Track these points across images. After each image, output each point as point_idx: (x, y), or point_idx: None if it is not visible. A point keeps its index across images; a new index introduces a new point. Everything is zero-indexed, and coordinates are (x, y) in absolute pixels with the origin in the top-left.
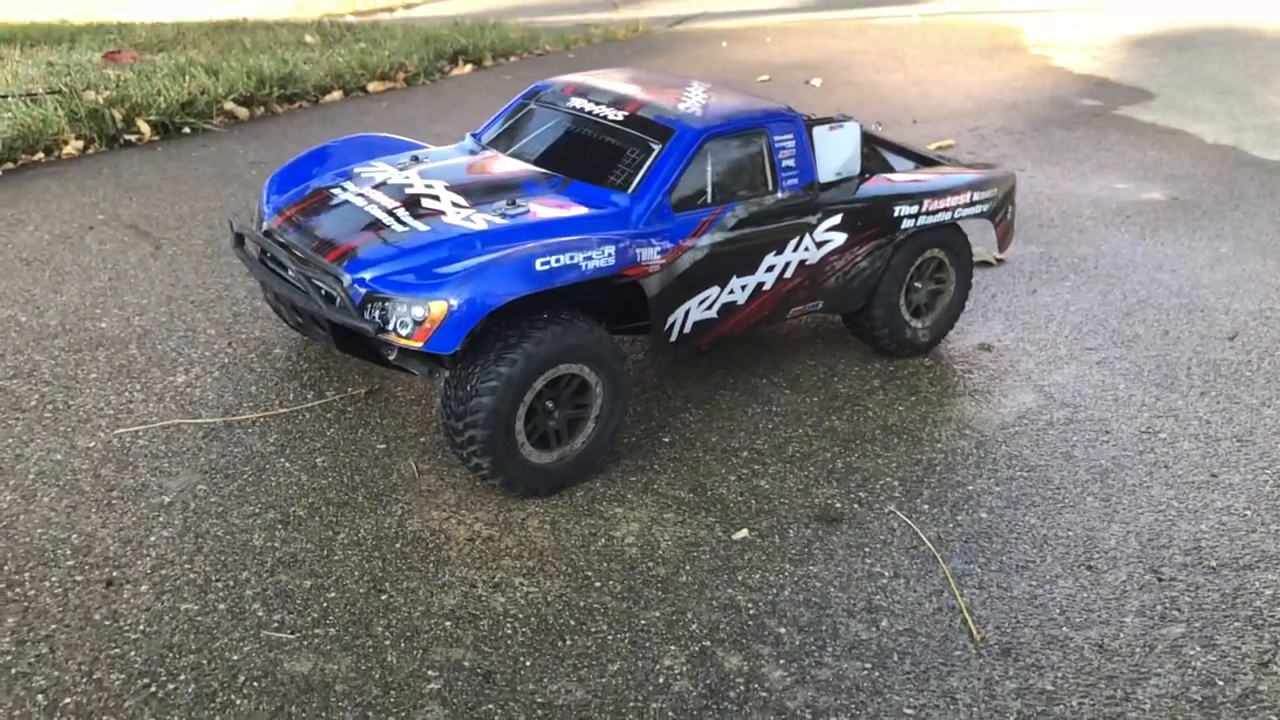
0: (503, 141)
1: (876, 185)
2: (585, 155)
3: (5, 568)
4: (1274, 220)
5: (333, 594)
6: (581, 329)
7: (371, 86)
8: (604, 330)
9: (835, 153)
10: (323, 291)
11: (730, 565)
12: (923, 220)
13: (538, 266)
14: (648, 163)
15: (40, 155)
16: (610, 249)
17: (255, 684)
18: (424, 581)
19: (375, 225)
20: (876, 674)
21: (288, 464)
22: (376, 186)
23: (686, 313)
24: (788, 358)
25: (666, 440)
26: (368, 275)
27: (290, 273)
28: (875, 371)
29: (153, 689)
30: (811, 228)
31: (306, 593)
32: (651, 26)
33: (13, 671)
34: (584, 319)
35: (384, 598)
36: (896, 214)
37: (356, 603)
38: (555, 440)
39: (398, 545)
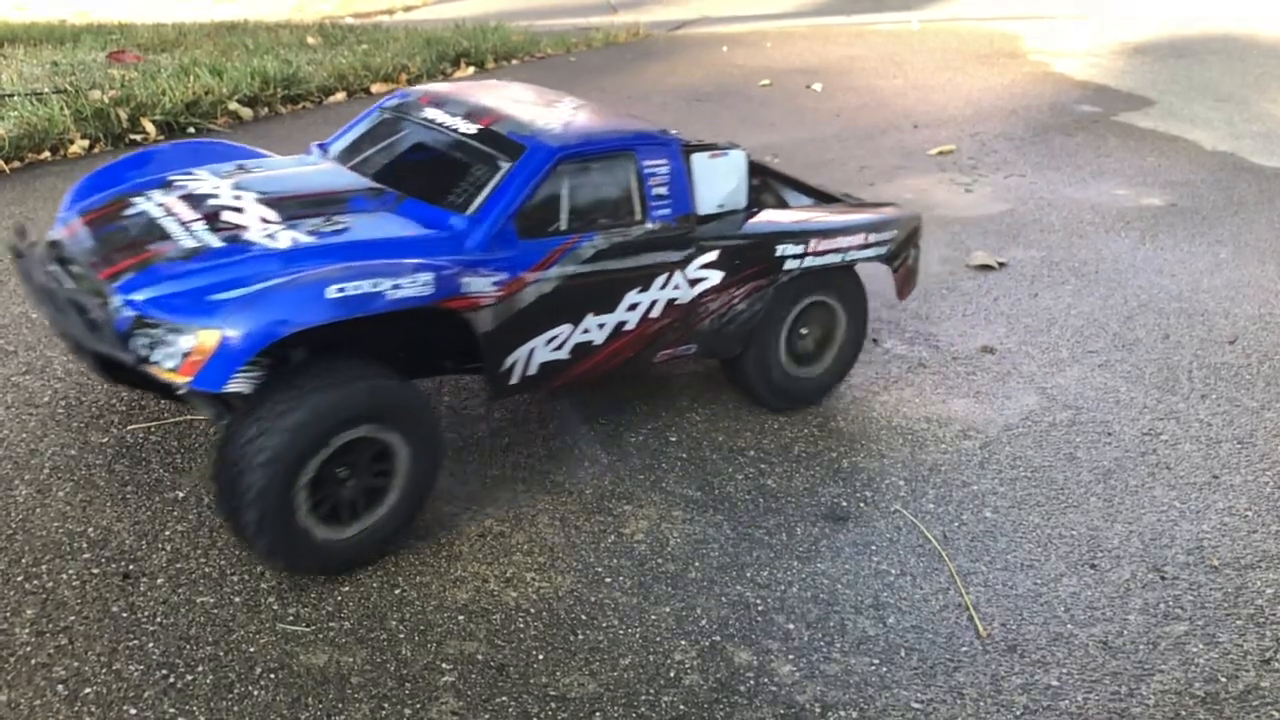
0: (348, 153)
1: (762, 221)
2: (428, 171)
3: (23, 560)
4: (1272, 226)
5: (347, 588)
6: (383, 386)
7: (374, 88)
8: (411, 387)
9: (717, 183)
10: (89, 313)
11: (739, 562)
12: (809, 262)
13: (330, 294)
14: (493, 182)
15: (46, 154)
16: (427, 277)
17: (272, 675)
18: (436, 576)
19: (164, 239)
20: (884, 669)
21: None
22: (184, 196)
23: (531, 353)
24: None
25: (673, 439)
26: (140, 296)
27: (59, 289)
28: (879, 374)
29: (171, 680)
30: (684, 264)
31: (321, 586)
32: (652, 31)
33: (33, 662)
34: (388, 372)
35: (397, 592)
36: (779, 253)
37: (370, 596)
38: (350, 513)
39: (410, 540)
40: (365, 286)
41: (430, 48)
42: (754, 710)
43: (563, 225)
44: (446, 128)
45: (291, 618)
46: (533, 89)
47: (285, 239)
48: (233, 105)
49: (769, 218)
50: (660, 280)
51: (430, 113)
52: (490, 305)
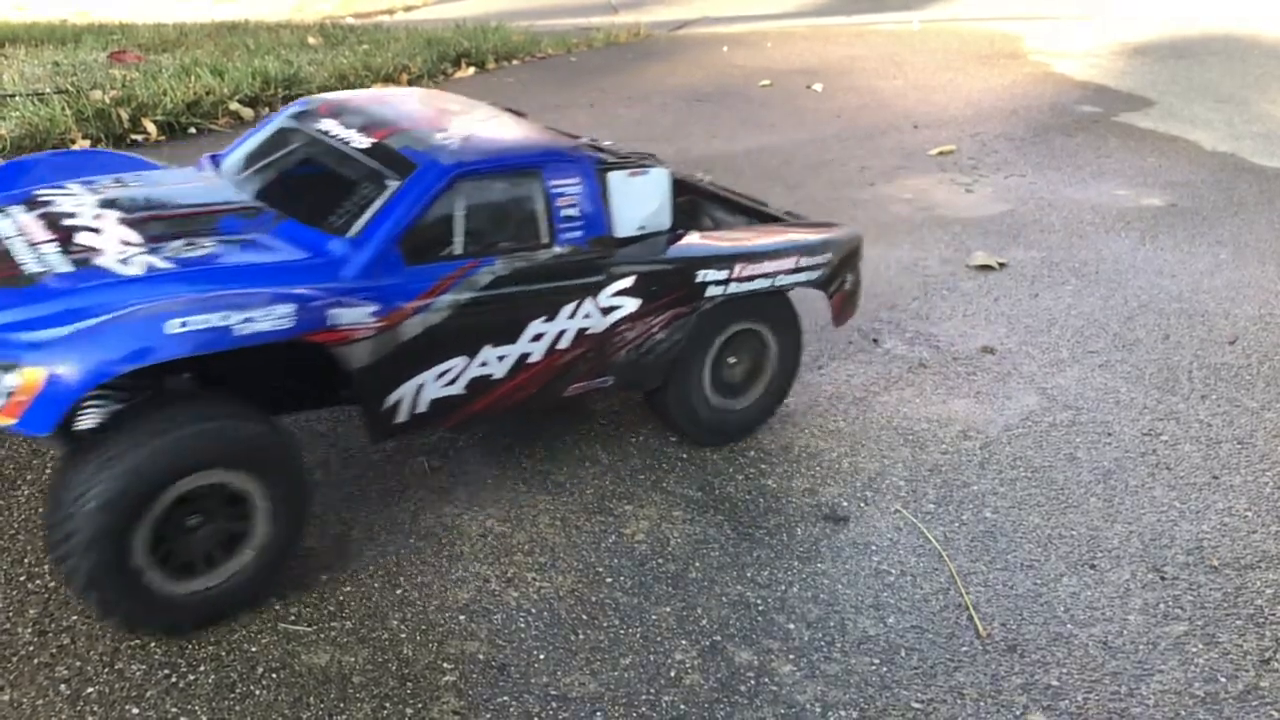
0: (238, 167)
1: (686, 245)
2: (313, 189)
3: (26, 560)
4: (1272, 227)
5: (348, 588)
6: (236, 427)
7: (376, 88)
8: (274, 427)
9: (636, 203)
10: None
11: (739, 562)
12: (734, 288)
13: (172, 328)
14: (378, 202)
15: None
16: (288, 309)
17: (274, 675)
18: (438, 576)
19: (6, 262)
20: (884, 669)
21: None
22: (44, 214)
23: (420, 388)
24: None
25: (673, 439)
26: None
27: None
28: (880, 374)
29: (173, 679)
30: (595, 291)
31: (322, 586)
32: (653, 31)
33: (36, 661)
34: (247, 410)
35: (399, 592)
36: (700, 279)
37: (372, 596)
38: (202, 565)
39: (411, 540)
40: (213, 320)
41: (431, 48)
42: (754, 710)
43: (457, 249)
44: (339, 141)
45: (293, 617)
46: (447, 98)
47: (139, 264)
48: (234, 105)
49: (695, 240)
50: (569, 308)
51: (326, 124)
52: (367, 338)
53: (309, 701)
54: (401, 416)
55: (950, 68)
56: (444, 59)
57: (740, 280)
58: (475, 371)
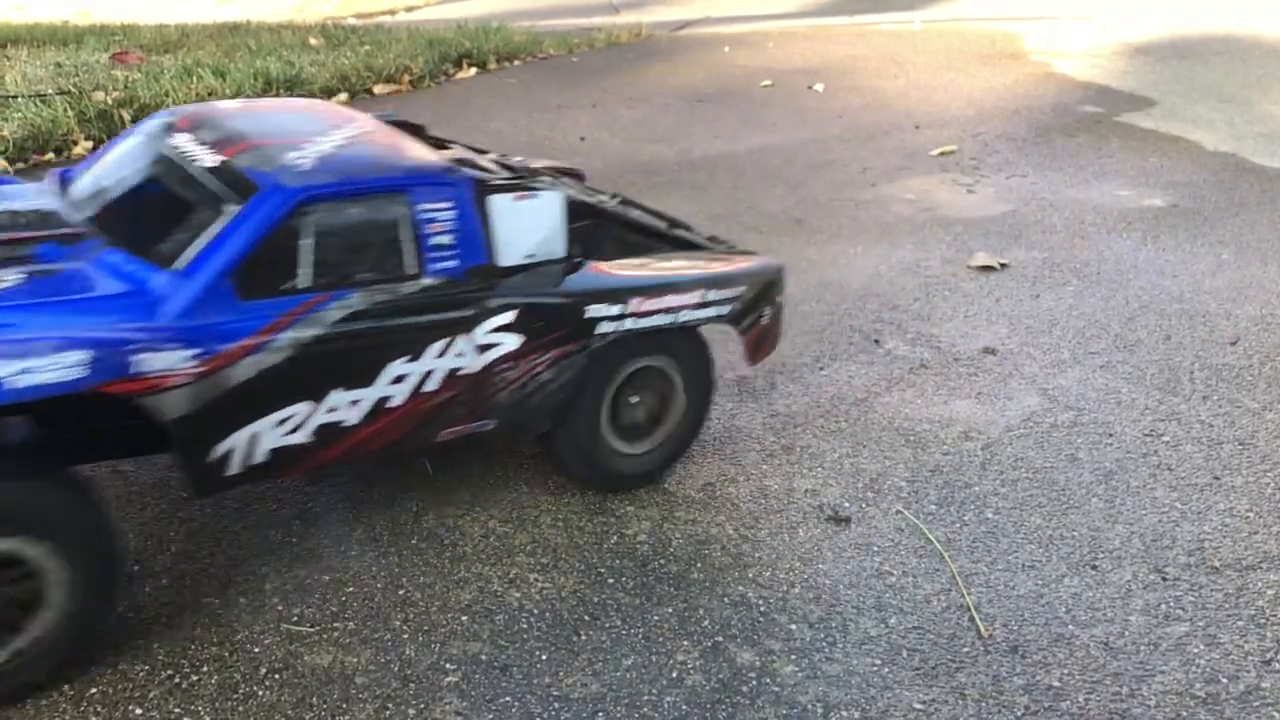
0: (85, 185)
1: (582, 275)
2: (150, 213)
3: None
4: (1274, 227)
5: (351, 589)
6: (18, 488)
7: (377, 89)
8: (70, 487)
9: (524, 229)
10: None
11: (741, 563)
12: (630, 324)
13: None
14: (212, 230)
15: (50, 155)
16: (79, 356)
17: (277, 676)
18: (440, 577)
19: None
20: (886, 669)
21: None
22: None
23: (254, 437)
24: (792, 359)
25: None
26: None
27: None
28: (882, 375)
29: (176, 680)
30: (470, 327)
31: (325, 587)
32: (654, 31)
33: None
34: (35, 466)
35: (401, 592)
36: (590, 315)
37: (374, 597)
38: None
39: (413, 541)
40: None
41: (433, 48)
42: (756, 710)
43: (303, 282)
44: (186, 159)
45: (296, 618)
46: (330, 109)
47: None
48: None
49: (589, 271)
50: (438, 347)
51: (178, 138)
52: (184, 385)
53: (312, 702)
54: (233, 469)
55: (952, 68)
56: (446, 59)
57: (638, 316)
58: (324, 418)
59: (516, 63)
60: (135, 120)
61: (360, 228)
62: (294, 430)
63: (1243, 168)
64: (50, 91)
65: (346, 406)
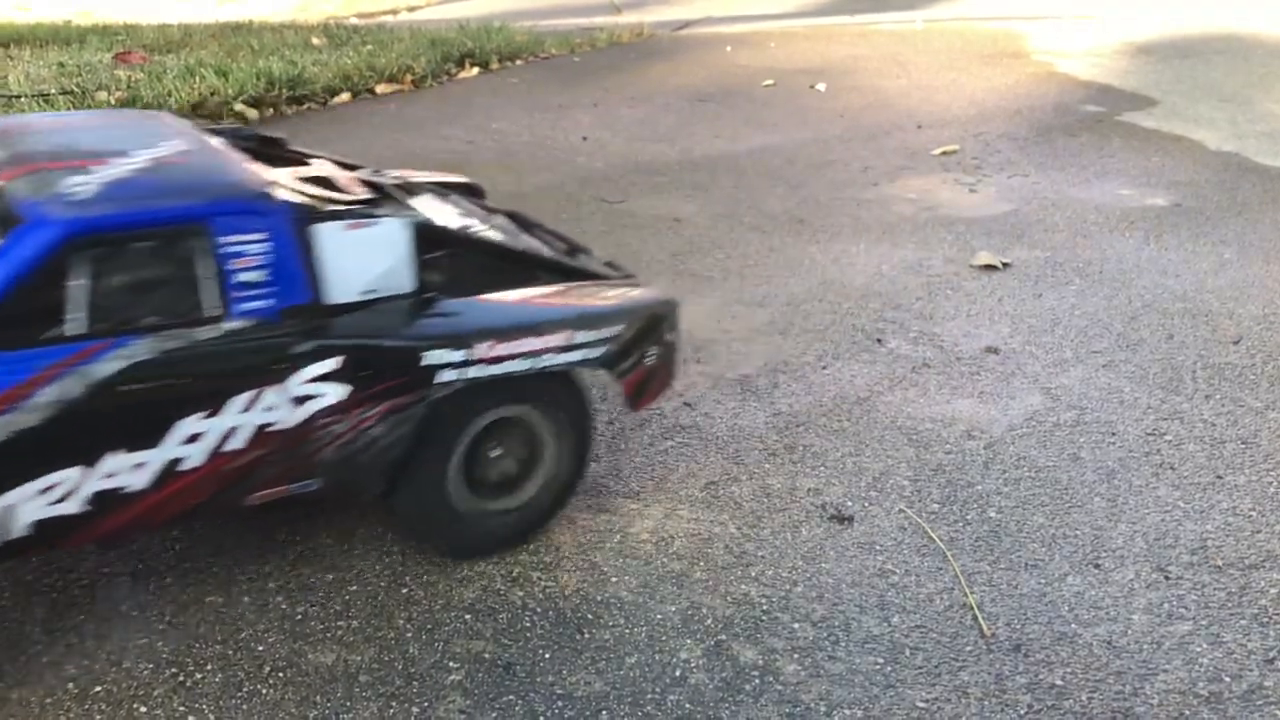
0: None
1: (428, 314)
2: None
3: (33, 560)
4: (1277, 226)
5: (354, 587)
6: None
7: (379, 88)
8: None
9: (358, 262)
10: None
11: (744, 561)
12: (474, 372)
13: None
14: None
15: None
16: None
17: (280, 674)
18: (443, 575)
19: None
20: (889, 668)
21: None
22: None
23: (8, 510)
24: (795, 358)
25: (678, 439)
26: None
27: None
28: (884, 374)
29: (180, 678)
30: (282, 376)
31: (328, 585)
32: (656, 31)
33: (44, 660)
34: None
35: (404, 591)
36: (427, 362)
37: (378, 596)
38: None
39: (416, 541)
40: None
41: (435, 48)
42: (759, 709)
43: (74, 329)
44: None
45: (299, 616)
46: (150, 123)
47: None
48: (238, 106)
49: (446, 307)
50: (242, 400)
51: None
52: None
53: (315, 700)
54: None
55: (953, 67)
56: (448, 59)
57: (486, 362)
58: (100, 485)
59: (519, 62)
60: None
61: (147, 264)
62: (62, 499)
63: (1245, 167)
64: (53, 91)
65: (129, 470)
